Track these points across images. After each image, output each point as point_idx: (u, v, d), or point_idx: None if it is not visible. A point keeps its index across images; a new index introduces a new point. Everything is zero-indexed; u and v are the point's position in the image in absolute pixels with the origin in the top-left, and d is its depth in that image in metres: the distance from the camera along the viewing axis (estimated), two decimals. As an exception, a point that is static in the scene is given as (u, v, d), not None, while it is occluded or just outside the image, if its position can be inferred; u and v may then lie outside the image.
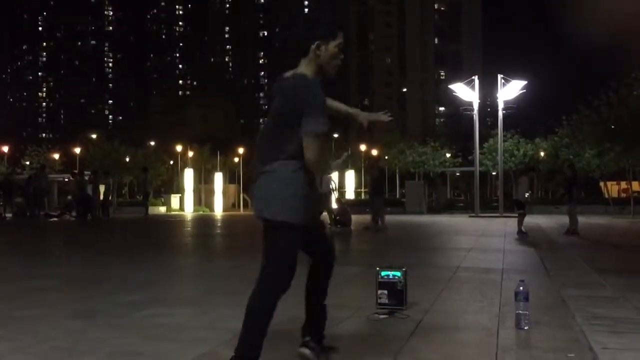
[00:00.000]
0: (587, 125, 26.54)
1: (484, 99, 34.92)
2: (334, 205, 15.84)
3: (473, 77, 28.34)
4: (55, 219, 23.37)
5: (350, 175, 37.71)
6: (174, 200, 37.53)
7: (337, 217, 15.57)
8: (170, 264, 8.54)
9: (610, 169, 30.19)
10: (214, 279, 6.84)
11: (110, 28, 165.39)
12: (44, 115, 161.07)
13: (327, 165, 2.80)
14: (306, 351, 2.98)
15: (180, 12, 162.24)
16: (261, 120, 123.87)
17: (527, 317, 3.84)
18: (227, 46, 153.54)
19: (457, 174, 49.96)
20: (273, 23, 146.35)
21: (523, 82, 26.99)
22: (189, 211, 35.32)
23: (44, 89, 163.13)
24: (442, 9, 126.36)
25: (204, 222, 22.45)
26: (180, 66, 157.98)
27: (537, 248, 10.23)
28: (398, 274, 4.37)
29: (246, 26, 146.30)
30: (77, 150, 47.34)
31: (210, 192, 38.62)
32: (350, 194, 35.93)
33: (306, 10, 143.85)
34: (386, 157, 41.84)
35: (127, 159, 39.97)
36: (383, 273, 4.37)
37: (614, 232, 15.97)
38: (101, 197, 23.40)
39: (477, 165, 28.90)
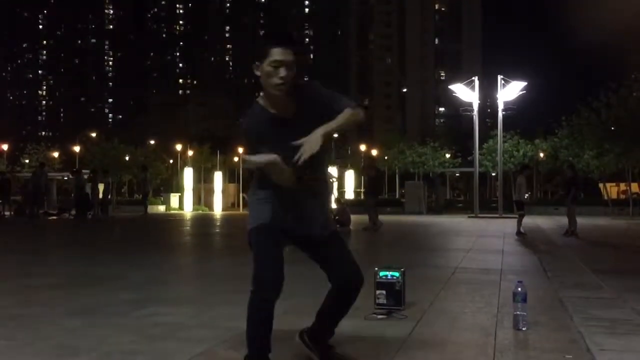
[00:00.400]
0: (586, 126, 26.55)
1: (484, 100, 34.94)
2: (334, 205, 15.87)
3: (473, 78, 28.31)
4: (54, 217, 23.38)
5: (350, 176, 37.73)
6: (174, 199, 37.48)
7: (337, 217, 15.58)
8: (169, 263, 8.55)
9: (609, 170, 30.17)
10: (212, 278, 6.85)
11: (111, 26, 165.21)
12: (44, 113, 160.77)
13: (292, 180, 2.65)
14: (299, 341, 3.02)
15: (181, 11, 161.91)
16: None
17: (525, 318, 3.84)
18: (228, 45, 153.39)
19: (457, 174, 49.99)
20: (273, 22, 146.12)
21: (523, 83, 26.97)
22: (188, 210, 35.28)
23: (44, 87, 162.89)
24: (442, 9, 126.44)
25: (203, 221, 22.44)
26: (180, 65, 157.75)
27: (535, 249, 10.23)
28: (396, 274, 4.37)
29: (246, 25, 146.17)
30: (77, 148, 47.37)
31: (210, 191, 38.57)
32: (349, 194, 35.95)
33: (306, 10, 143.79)
34: (386, 158, 41.90)
35: (127, 158, 39.95)
36: (381, 273, 4.37)
37: (613, 233, 15.96)
38: (100, 196, 23.43)
39: (477, 166, 28.89)
